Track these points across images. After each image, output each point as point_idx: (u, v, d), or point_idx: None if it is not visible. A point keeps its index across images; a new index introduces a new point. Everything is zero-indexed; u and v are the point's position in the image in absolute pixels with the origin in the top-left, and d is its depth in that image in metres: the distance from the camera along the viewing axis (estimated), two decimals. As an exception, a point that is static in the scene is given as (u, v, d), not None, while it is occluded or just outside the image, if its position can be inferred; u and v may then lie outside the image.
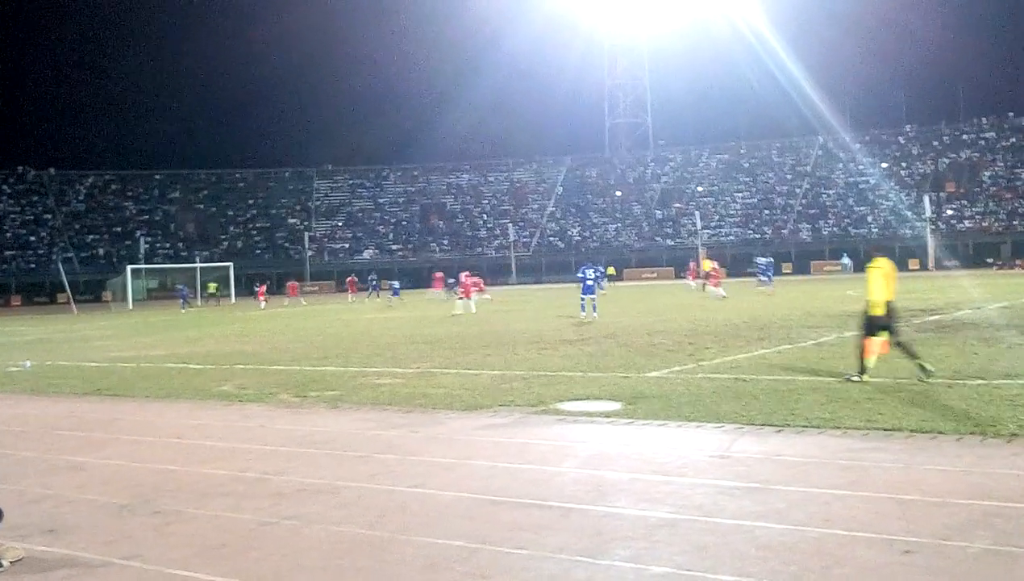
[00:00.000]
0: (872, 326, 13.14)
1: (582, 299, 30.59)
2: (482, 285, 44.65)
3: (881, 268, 13.37)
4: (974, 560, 5.53)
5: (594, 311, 29.95)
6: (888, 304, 13.22)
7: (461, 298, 38.28)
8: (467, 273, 40.90)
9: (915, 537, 5.97)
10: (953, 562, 5.50)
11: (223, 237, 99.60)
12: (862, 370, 12.92)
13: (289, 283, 66.98)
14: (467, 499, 7.55)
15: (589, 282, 30.56)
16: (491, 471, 8.58)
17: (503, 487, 7.88)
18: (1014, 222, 78.36)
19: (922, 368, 12.70)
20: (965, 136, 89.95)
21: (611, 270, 57.89)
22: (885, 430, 9.44)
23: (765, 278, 46.21)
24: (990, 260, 71.25)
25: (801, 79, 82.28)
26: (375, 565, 6.02)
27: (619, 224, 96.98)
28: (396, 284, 54.87)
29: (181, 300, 58.61)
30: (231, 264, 75.74)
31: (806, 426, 9.85)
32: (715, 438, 9.57)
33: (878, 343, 13.10)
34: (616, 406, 11.82)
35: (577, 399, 12.46)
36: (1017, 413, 9.86)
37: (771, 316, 26.81)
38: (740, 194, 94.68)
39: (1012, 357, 14.69)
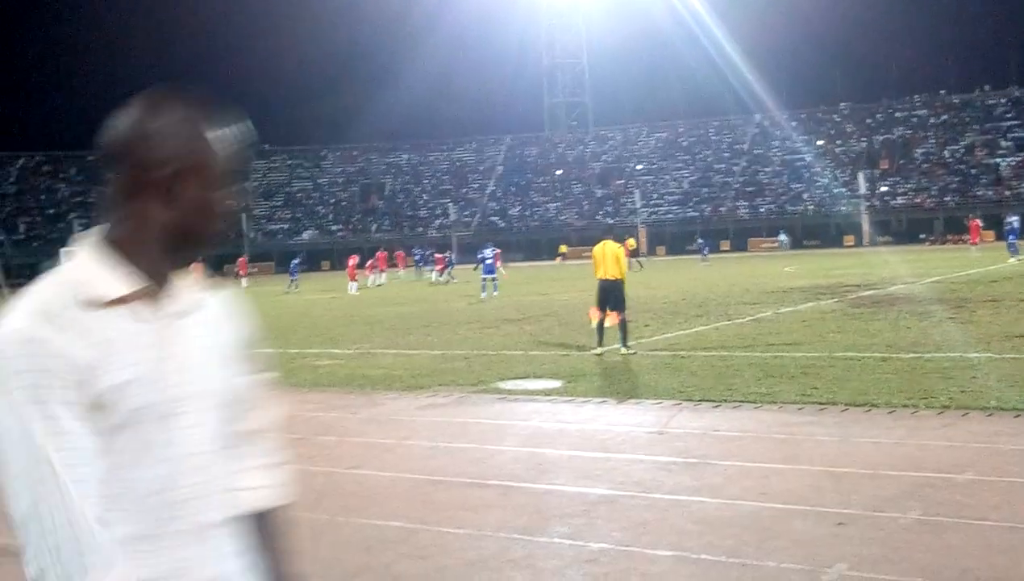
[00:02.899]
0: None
1: (483, 279, 31.80)
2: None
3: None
4: (905, 530, 5.63)
5: (495, 291, 31.09)
6: (601, 281, 14.80)
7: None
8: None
9: (848, 509, 6.06)
10: (886, 533, 5.59)
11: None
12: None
13: (240, 259, 60.10)
14: (406, 479, 7.53)
15: (488, 262, 32.02)
16: (431, 451, 8.56)
17: (442, 467, 7.86)
18: (945, 198, 79.76)
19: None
20: (898, 113, 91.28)
21: (563, 248, 57.65)
22: (820, 404, 9.58)
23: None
24: (923, 236, 72.55)
25: (738, 57, 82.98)
26: (314, 547, 5.96)
27: (560, 203, 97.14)
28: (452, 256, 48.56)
29: None
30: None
31: (743, 401, 9.96)
32: (653, 414, 9.64)
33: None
34: (556, 384, 11.86)
35: (518, 378, 12.47)
36: (948, 385, 10.05)
37: (709, 293, 27.07)
38: (679, 172, 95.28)
39: (943, 331, 14.98)
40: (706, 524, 5.97)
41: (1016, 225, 39.67)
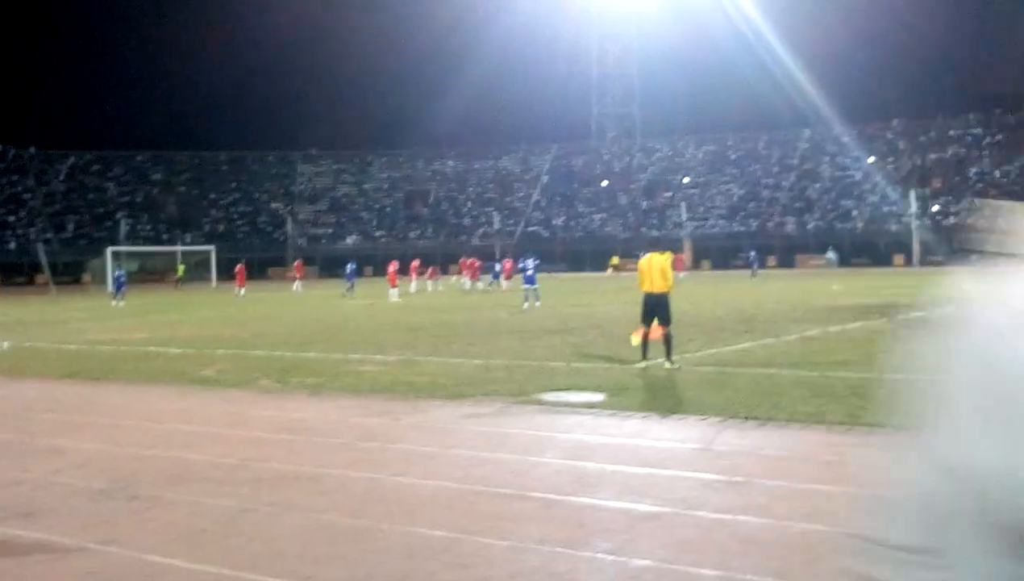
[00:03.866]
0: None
1: (524, 289, 31.74)
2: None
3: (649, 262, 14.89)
4: (958, 558, 5.50)
5: (537, 301, 30.93)
6: (646, 294, 14.66)
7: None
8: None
9: (899, 534, 5.94)
10: (937, 560, 5.47)
11: (205, 220, 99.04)
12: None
13: (296, 263, 59.78)
14: (448, 488, 7.50)
15: (530, 273, 32.04)
16: (473, 460, 8.52)
17: (485, 477, 7.82)
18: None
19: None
20: (952, 132, 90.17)
21: (615, 260, 56.80)
22: (868, 426, 9.42)
23: None
24: (974, 257, 71.51)
25: (789, 70, 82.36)
26: (355, 554, 5.95)
27: (605, 214, 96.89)
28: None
29: (116, 289, 44.67)
30: (212, 247, 75.22)
31: (789, 420, 9.83)
32: (698, 431, 9.54)
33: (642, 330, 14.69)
34: (599, 397, 11.78)
35: (560, 390, 12.41)
36: (1000, 410, 9.84)
37: (756, 309, 26.84)
38: (726, 186, 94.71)
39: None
40: (752, 544, 5.88)
41: None
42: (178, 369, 16.07)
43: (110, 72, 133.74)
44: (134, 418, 11.46)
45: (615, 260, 61.25)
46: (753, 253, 62.78)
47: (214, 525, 6.69)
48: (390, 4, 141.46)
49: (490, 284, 47.35)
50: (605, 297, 37.27)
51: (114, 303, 41.77)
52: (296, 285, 54.71)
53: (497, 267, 49.78)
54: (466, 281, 48.07)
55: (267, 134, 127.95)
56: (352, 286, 45.79)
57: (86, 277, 75.94)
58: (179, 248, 77.20)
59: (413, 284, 47.76)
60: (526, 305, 30.78)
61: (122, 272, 47.56)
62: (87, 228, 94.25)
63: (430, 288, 47.23)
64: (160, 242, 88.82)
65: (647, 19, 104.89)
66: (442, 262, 62.51)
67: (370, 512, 6.88)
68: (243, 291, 49.67)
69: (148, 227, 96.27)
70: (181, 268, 70.86)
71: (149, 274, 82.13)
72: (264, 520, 6.79)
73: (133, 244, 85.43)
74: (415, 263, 50.18)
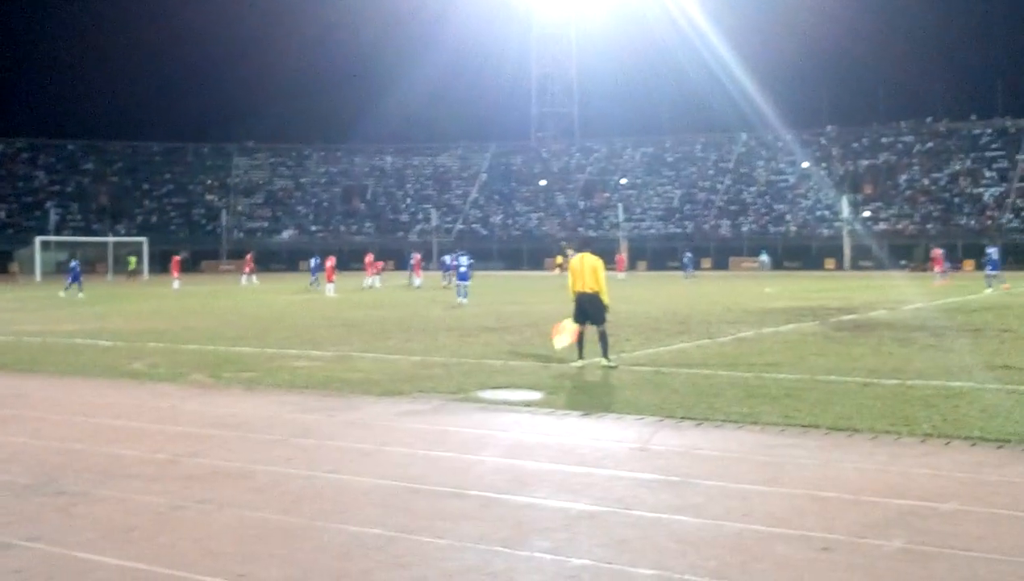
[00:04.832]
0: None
1: (458, 285, 32.72)
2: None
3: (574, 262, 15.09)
4: (890, 559, 5.58)
5: (465, 297, 31.72)
6: (579, 294, 14.72)
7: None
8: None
9: (832, 534, 6.01)
10: (870, 560, 5.53)
11: (138, 211, 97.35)
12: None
13: (175, 259, 54.50)
14: (385, 486, 7.43)
15: (463, 269, 33.14)
16: (409, 458, 8.46)
17: (422, 475, 7.76)
18: (927, 226, 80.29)
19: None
20: (884, 139, 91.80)
21: (559, 259, 56.33)
22: (802, 426, 9.54)
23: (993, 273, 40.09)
24: (903, 262, 72.88)
25: (726, 75, 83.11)
26: (290, 552, 5.86)
27: (542, 213, 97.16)
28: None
29: (70, 279, 43.72)
30: (145, 239, 73.94)
31: (724, 421, 9.90)
32: (635, 430, 9.57)
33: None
34: (537, 395, 11.78)
35: (498, 387, 12.38)
36: (930, 413, 10.03)
37: (690, 310, 27.07)
38: (663, 188, 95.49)
39: (925, 358, 14.99)
40: (688, 544, 5.90)
41: (995, 257, 39.85)
42: (108, 362, 15.74)
43: (41, 59, 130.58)
44: (62, 412, 11.20)
45: (559, 259, 61.38)
46: (688, 255, 63.32)
47: (145, 522, 6.55)
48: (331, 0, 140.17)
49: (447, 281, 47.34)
50: (541, 296, 37.35)
51: (63, 294, 40.82)
52: (245, 278, 53.82)
53: (411, 262, 50.05)
54: (415, 279, 47.69)
55: (203, 125, 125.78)
56: (317, 279, 45.76)
57: (13, 267, 74.22)
58: (111, 239, 75.74)
59: (368, 280, 47.51)
60: (461, 299, 31.56)
61: (76, 262, 45.37)
62: (15, 217, 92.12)
63: (378, 284, 46.92)
64: (91, 233, 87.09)
65: (587, 20, 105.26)
66: (381, 258, 61.90)
67: (305, 510, 6.79)
68: (177, 283, 48.70)
69: (79, 217, 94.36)
70: (133, 260, 69.42)
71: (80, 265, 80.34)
72: (196, 517, 6.66)
73: (63, 234, 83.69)
74: (369, 257, 49.59)
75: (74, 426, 10.25)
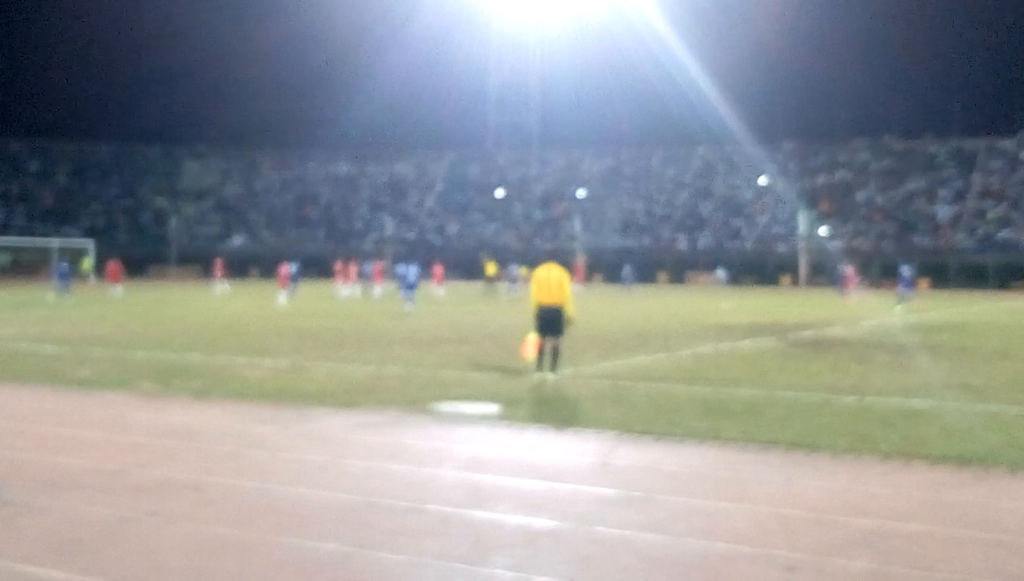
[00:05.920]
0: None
1: (406, 294, 33.46)
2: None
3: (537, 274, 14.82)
4: (855, 579, 5.50)
5: (413, 305, 32.70)
6: (542, 306, 14.45)
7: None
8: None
9: (797, 553, 5.93)
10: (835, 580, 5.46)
11: (84, 214, 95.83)
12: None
13: (111, 264, 48.29)
14: (341, 500, 7.24)
15: (411, 279, 33.91)
16: (366, 471, 8.28)
17: (378, 489, 7.59)
18: (882, 243, 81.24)
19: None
20: (841, 156, 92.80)
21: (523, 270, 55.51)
22: (763, 443, 9.48)
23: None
24: (858, 279, 73.62)
25: (686, 88, 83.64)
26: (243, 567, 5.67)
27: (499, 223, 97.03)
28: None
29: (58, 280, 41.50)
30: (91, 242, 72.66)
31: (685, 436, 9.82)
32: (594, 445, 9.46)
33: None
34: (494, 408, 11.63)
35: (455, 400, 12.22)
36: (890, 432, 10.02)
37: (648, 324, 27.07)
38: (620, 200, 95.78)
39: (883, 376, 15.04)
40: (652, 562, 5.79)
41: (907, 274, 40.55)
42: (52, 369, 15.35)
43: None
44: (4, 419, 10.86)
45: (524, 270, 61.30)
46: (628, 268, 63.04)
47: (91, 535, 6.32)
48: (286, 2, 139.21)
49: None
50: (498, 306, 37.23)
51: (52, 297, 39.57)
52: (220, 285, 52.23)
53: (368, 270, 49.82)
54: (376, 288, 47.27)
55: (153, 128, 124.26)
56: (296, 287, 45.11)
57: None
58: (55, 242, 74.42)
59: (344, 289, 47.40)
60: (409, 306, 32.40)
61: (65, 263, 42.77)
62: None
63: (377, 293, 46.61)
64: (35, 235, 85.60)
65: (547, 29, 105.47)
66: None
67: (259, 524, 6.59)
68: (120, 289, 45.76)
69: (22, 219, 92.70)
70: (87, 261, 67.77)
71: (22, 268, 79.09)
72: (145, 530, 6.44)
73: (6, 235, 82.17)
74: (339, 265, 49.45)
75: (18, 434, 9.93)
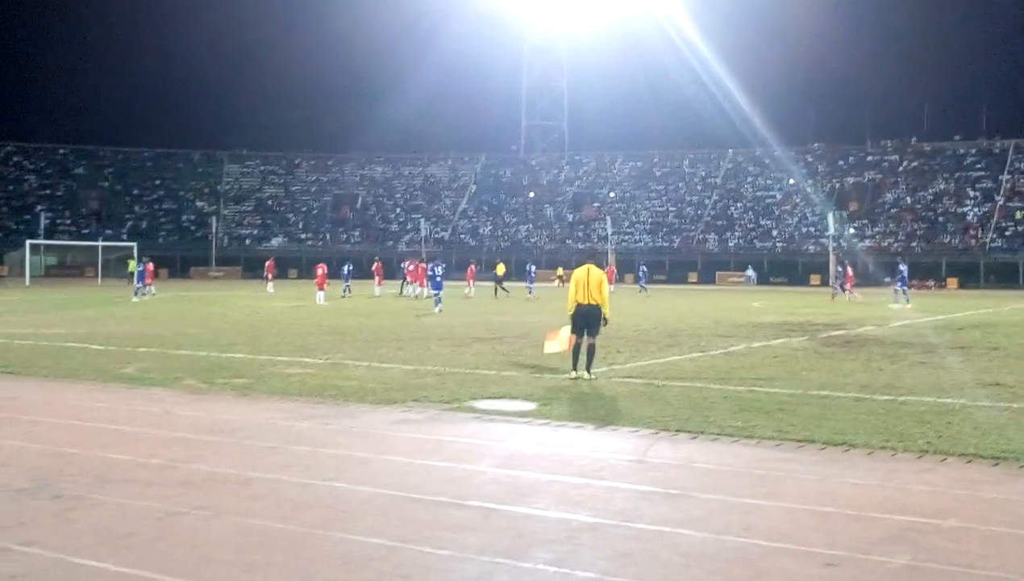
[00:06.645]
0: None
1: (435, 294, 33.95)
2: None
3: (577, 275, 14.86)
4: (895, 576, 5.57)
5: (439, 305, 32.92)
6: (580, 305, 14.55)
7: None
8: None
9: (836, 550, 6.00)
10: (876, 577, 5.53)
11: (128, 217, 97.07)
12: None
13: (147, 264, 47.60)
14: (384, 495, 7.39)
15: (439, 279, 34.54)
16: (407, 467, 8.42)
17: (420, 484, 7.73)
18: (912, 244, 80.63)
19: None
20: (870, 157, 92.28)
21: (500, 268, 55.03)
22: (797, 441, 9.53)
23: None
24: (887, 279, 73.03)
25: (715, 92, 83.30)
26: (290, 560, 5.82)
27: (531, 225, 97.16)
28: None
29: (138, 281, 42.51)
30: (135, 244, 73.61)
31: (720, 434, 9.89)
32: (631, 442, 9.56)
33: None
34: (531, 406, 11.75)
35: (492, 397, 12.35)
36: (925, 429, 10.05)
37: (680, 324, 27.08)
38: (651, 202, 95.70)
39: (916, 375, 15.02)
40: (692, 557, 5.88)
41: (905, 273, 40.34)
42: (99, 366, 15.65)
43: (34, 64, 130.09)
44: (55, 415, 11.12)
45: (560, 271, 61.46)
46: (643, 268, 62.46)
47: (142, 528, 6.50)
48: (322, 9, 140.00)
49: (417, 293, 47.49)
50: (530, 306, 37.34)
51: (135, 298, 40.76)
52: (269, 285, 53.48)
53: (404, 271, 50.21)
54: (415, 289, 47.49)
55: (194, 132, 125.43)
56: (349, 286, 46.57)
57: (2, 270, 73.95)
58: (100, 244, 75.39)
59: (378, 289, 48.21)
60: (437, 308, 32.57)
61: (142, 266, 43.72)
62: (5, 221, 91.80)
63: (378, 293, 47.18)
64: (80, 237, 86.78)
65: (578, 34, 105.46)
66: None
67: (304, 518, 6.75)
68: (152, 288, 45.30)
69: (68, 221, 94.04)
70: (133, 263, 68.46)
71: (68, 268, 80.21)
72: (193, 524, 6.61)
73: (53, 238, 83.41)
74: (377, 265, 50.52)
75: (68, 430, 10.18)
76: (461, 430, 10.27)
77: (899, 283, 40.02)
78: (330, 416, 11.05)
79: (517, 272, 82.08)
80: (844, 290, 46.77)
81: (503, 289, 48.20)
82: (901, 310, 35.33)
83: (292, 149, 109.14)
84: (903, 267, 40.70)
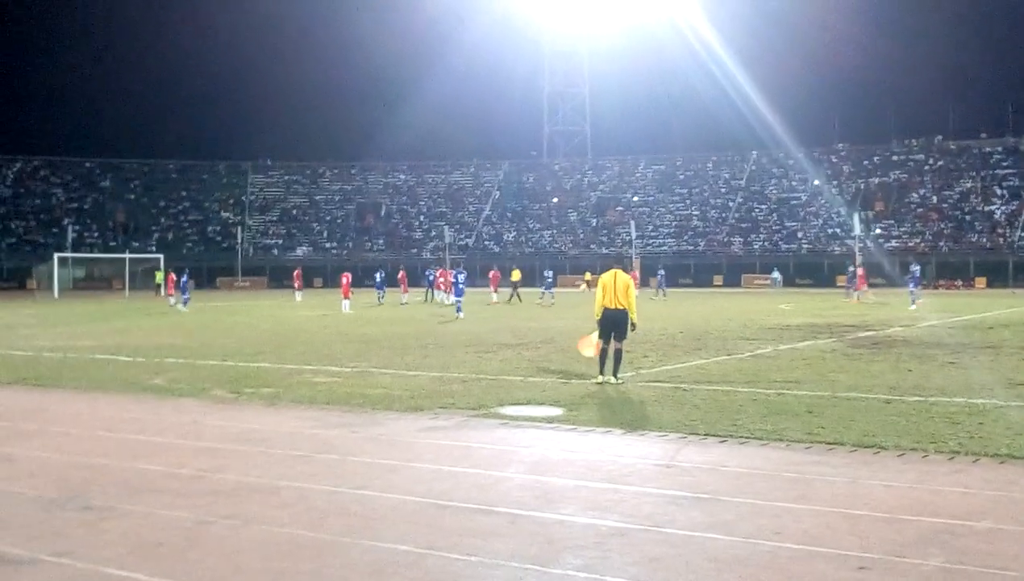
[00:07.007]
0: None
1: (457, 301, 34.29)
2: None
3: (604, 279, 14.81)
4: (929, 578, 5.51)
5: (461, 311, 33.31)
6: (607, 310, 14.47)
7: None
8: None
9: (868, 553, 5.94)
10: (909, 580, 5.47)
11: (154, 228, 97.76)
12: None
13: (295, 271, 57.46)
14: (412, 502, 7.39)
15: (461, 286, 34.80)
16: (435, 474, 8.42)
17: (448, 491, 7.72)
18: (939, 243, 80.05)
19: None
20: (895, 157, 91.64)
21: (588, 276, 54.46)
22: (827, 444, 9.46)
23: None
24: (905, 278, 72.43)
25: (737, 94, 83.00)
26: (319, 568, 5.83)
27: (555, 230, 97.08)
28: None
29: (182, 292, 44.26)
30: (161, 256, 74.17)
31: (749, 437, 9.84)
32: (659, 447, 9.51)
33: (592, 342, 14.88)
34: (558, 411, 11.73)
35: (518, 403, 12.34)
36: (956, 430, 9.95)
37: (707, 327, 26.97)
38: (675, 205, 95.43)
39: (945, 375, 14.89)
40: (722, 562, 5.84)
41: (917, 273, 39.99)
42: (128, 377, 15.75)
43: (59, 78, 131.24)
44: (85, 426, 11.20)
45: (587, 275, 61.48)
46: (662, 273, 62.14)
47: (171, 537, 6.53)
48: (343, 18, 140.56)
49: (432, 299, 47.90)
50: (556, 312, 37.30)
51: (181, 307, 42.16)
52: (298, 294, 54.04)
53: (430, 278, 50.47)
54: (442, 295, 47.60)
55: (218, 143, 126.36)
56: (383, 294, 47.15)
57: (31, 283, 74.63)
58: (127, 256, 75.94)
59: (405, 296, 48.77)
60: (460, 314, 32.81)
61: (185, 278, 45.34)
62: (33, 234, 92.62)
63: (405, 300, 47.51)
64: (108, 249, 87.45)
65: (598, 39, 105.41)
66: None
67: (332, 526, 6.76)
68: (172, 300, 46.70)
69: (95, 234, 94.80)
70: (160, 275, 69.10)
71: (95, 281, 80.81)
72: (223, 533, 6.63)
73: (80, 251, 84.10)
74: (402, 274, 51.04)
75: (98, 441, 10.25)
76: (488, 436, 10.26)
77: (912, 283, 39.81)
78: (357, 424, 11.06)
79: (536, 278, 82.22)
80: (854, 291, 46.44)
81: (517, 297, 48.25)
82: (915, 311, 35.07)
83: (315, 158, 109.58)
84: (915, 267, 40.47)
